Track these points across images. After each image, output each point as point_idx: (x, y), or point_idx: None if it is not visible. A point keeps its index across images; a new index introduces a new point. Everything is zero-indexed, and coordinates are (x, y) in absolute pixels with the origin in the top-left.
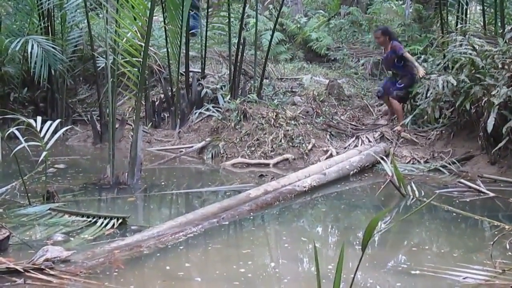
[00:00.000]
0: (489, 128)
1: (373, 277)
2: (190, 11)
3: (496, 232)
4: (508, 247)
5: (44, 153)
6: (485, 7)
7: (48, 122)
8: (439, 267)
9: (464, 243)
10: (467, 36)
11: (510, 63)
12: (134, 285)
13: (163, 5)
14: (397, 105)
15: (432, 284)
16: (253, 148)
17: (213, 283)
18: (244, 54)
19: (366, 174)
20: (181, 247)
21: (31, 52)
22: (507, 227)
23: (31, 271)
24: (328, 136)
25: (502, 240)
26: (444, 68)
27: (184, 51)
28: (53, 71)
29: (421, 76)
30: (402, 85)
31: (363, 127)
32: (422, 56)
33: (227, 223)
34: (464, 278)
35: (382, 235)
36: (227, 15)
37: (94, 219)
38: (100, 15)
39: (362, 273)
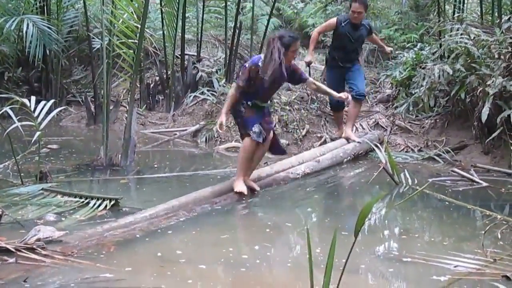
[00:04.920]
0: (484, 118)
1: (364, 263)
2: None
3: (487, 222)
4: (499, 236)
5: (38, 133)
6: None
7: (42, 102)
8: (430, 255)
9: (456, 231)
10: (463, 25)
11: (506, 53)
12: (128, 266)
13: None
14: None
15: (423, 271)
16: None
17: (208, 266)
18: (240, 39)
19: (360, 162)
20: (174, 230)
21: (26, 32)
22: (499, 216)
23: (23, 250)
24: (322, 122)
25: (494, 229)
26: (440, 57)
27: (180, 34)
28: (48, 51)
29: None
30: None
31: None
32: (419, 45)
33: (219, 207)
34: (455, 267)
35: (374, 222)
36: None
37: (87, 200)
38: None
39: (354, 259)
